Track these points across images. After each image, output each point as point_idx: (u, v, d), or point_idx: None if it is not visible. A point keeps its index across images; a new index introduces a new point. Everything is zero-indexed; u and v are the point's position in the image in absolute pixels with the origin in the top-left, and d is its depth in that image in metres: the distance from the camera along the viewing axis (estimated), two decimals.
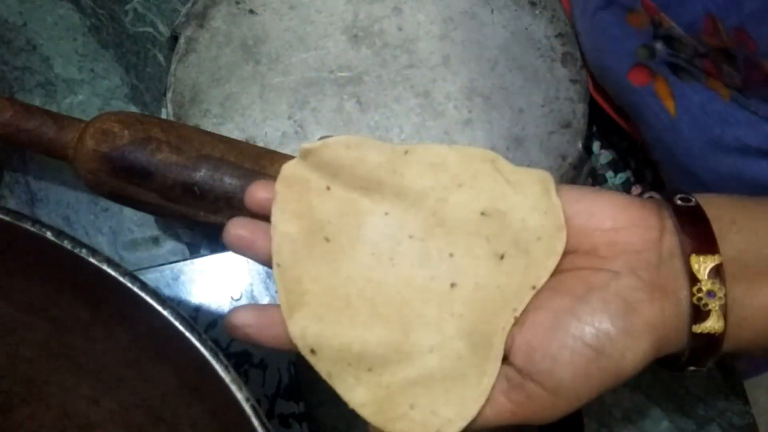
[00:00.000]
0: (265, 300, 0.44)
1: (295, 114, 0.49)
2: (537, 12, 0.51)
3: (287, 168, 0.33)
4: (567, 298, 0.30)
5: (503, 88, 0.50)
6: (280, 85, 0.49)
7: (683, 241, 0.30)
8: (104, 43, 0.54)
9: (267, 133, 0.49)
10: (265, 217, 0.33)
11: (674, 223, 0.31)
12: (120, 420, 0.36)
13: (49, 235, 0.28)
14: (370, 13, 0.51)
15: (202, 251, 0.50)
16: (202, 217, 0.44)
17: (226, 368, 0.27)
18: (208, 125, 0.49)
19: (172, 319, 0.28)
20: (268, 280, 0.44)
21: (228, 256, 0.45)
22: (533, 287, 0.31)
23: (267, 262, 0.32)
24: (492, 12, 0.51)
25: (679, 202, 0.32)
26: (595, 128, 0.54)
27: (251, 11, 0.51)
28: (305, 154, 0.33)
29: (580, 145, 0.49)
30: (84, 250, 0.28)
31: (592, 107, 0.52)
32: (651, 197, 0.33)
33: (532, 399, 0.30)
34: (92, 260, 0.28)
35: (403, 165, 0.33)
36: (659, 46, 0.43)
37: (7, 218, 0.28)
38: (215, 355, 0.28)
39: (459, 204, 0.33)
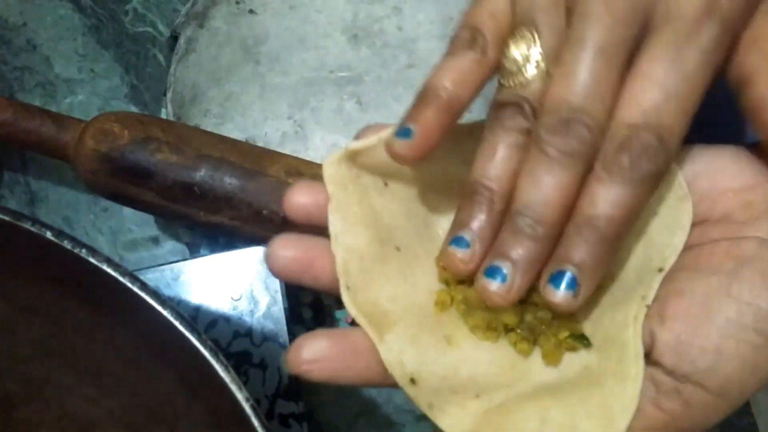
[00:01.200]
0: (264, 300, 0.44)
1: (295, 114, 0.49)
2: None
3: (331, 164, 0.27)
4: (714, 276, 0.25)
5: None
6: (280, 85, 0.49)
7: None
8: (104, 43, 0.54)
9: (267, 133, 0.49)
10: (310, 229, 0.26)
11: None
12: (120, 420, 0.36)
13: (49, 235, 0.28)
14: (370, 13, 0.51)
15: (202, 251, 0.50)
16: (202, 217, 0.44)
17: (226, 368, 0.27)
18: (208, 125, 0.49)
19: (172, 319, 0.28)
20: (268, 280, 0.44)
21: (228, 255, 0.45)
22: (660, 270, 0.26)
23: (328, 287, 0.26)
24: None
25: None
26: None
27: (251, 11, 0.51)
28: (353, 156, 0.27)
29: None
30: (84, 250, 0.28)
31: None
32: None
33: (690, 406, 0.24)
34: (92, 260, 0.28)
35: (471, 151, 0.27)
36: None
37: (7, 218, 0.28)
38: (215, 355, 0.28)
39: None
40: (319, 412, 0.48)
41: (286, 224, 0.43)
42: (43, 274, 0.31)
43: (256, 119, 0.49)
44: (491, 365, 0.26)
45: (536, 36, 0.26)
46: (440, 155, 0.27)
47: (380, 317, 0.25)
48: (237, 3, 0.51)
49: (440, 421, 0.25)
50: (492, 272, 0.25)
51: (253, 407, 0.27)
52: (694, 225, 0.26)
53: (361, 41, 0.50)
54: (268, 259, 0.26)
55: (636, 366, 0.25)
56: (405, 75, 0.50)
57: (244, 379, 0.40)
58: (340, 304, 0.48)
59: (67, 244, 0.28)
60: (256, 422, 0.27)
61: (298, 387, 0.44)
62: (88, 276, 0.29)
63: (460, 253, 0.26)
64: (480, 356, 0.26)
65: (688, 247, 0.26)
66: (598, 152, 0.24)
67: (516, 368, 0.26)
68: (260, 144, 0.48)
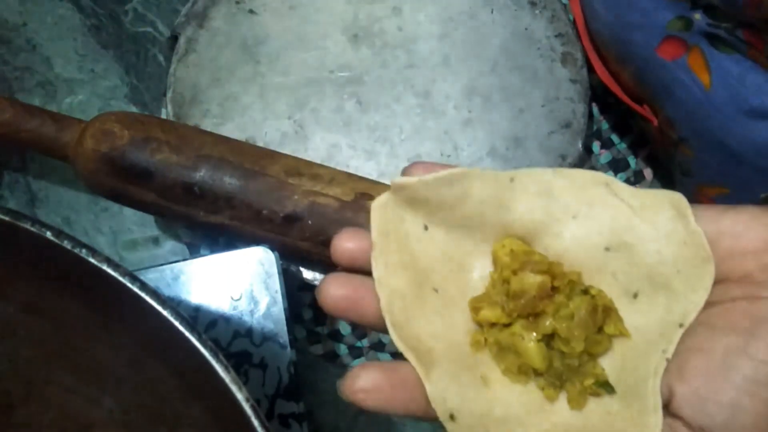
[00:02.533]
0: (264, 300, 0.44)
1: (295, 114, 0.49)
2: (537, 12, 0.51)
3: (378, 208, 0.29)
4: (732, 335, 0.26)
5: (503, 88, 0.50)
6: (280, 85, 0.49)
7: None
8: (104, 43, 0.54)
9: (267, 133, 0.49)
10: (355, 271, 0.29)
11: None
12: (120, 420, 0.36)
13: (49, 235, 0.28)
14: (370, 13, 0.51)
15: (202, 251, 0.50)
16: (202, 217, 0.44)
17: (226, 368, 0.27)
18: (208, 125, 0.49)
19: (172, 319, 0.28)
20: (268, 280, 0.44)
21: (228, 255, 0.45)
22: (680, 325, 0.27)
23: (374, 324, 0.29)
24: (492, 12, 0.51)
25: None
26: (595, 128, 0.54)
27: (251, 11, 0.51)
28: (398, 189, 0.29)
29: (580, 145, 0.49)
30: (84, 250, 0.28)
31: (597, 102, 0.52)
32: None
33: None
34: (92, 260, 0.28)
35: (509, 197, 0.29)
36: (698, 16, 0.42)
37: (7, 218, 0.28)
38: (215, 355, 0.28)
39: (577, 239, 0.29)
40: (319, 412, 0.48)
41: (285, 224, 0.43)
42: (43, 274, 0.31)
43: (256, 119, 0.49)
44: (522, 407, 0.28)
45: None
46: (472, 201, 0.29)
47: (424, 354, 0.27)
48: (237, 3, 0.51)
49: None
50: None
51: (253, 407, 0.27)
52: (715, 283, 0.28)
53: (361, 41, 0.50)
54: (319, 296, 0.28)
55: (655, 417, 0.26)
56: (405, 75, 0.50)
57: (244, 379, 0.40)
58: None
59: (67, 244, 0.28)
60: (256, 422, 0.27)
61: (298, 387, 0.44)
62: (88, 276, 0.29)
63: None
64: (512, 397, 0.28)
65: (708, 305, 0.28)
66: None
67: (544, 410, 0.28)
68: (260, 144, 0.48)
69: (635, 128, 0.54)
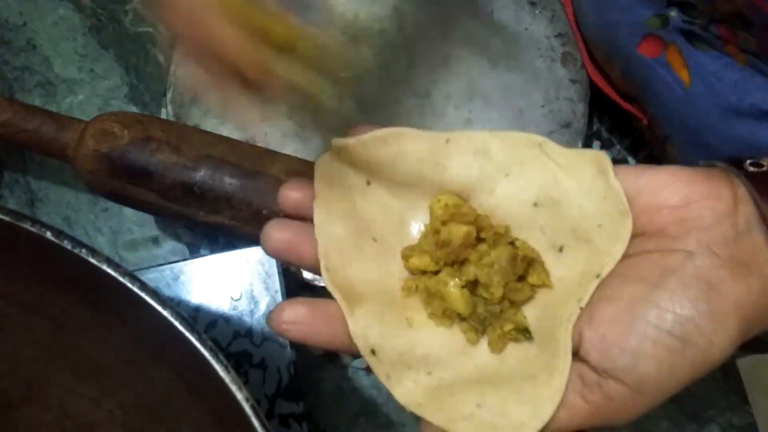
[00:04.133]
0: (264, 300, 0.44)
1: (295, 114, 0.49)
2: (537, 12, 0.51)
3: (322, 164, 0.31)
4: (640, 284, 0.28)
5: (503, 88, 0.50)
6: None
7: (763, 209, 0.28)
8: (104, 43, 0.54)
9: (267, 133, 0.49)
10: (299, 219, 0.30)
11: (748, 191, 0.28)
12: (120, 420, 0.36)
13: (49, 235, 0.28)
14: (370, 13, 0.51)
15: (202, 251, 0.50)
16: (202, 217, 0.44)
17: (226, 368, 0.27)
18: (208, 125, 0.49)
19: (172, 319, 0.28)
20: (268, 280, 0.44)
21: (228, 256, 0.45)
22: (597, 276, 0.29)
23: (312, 267, 0.30)
24: (492, 12, 0.51)
25: (751, 168, 0.29)
26: (595, 128, 0.54)
27: None
28: (338, 150, 0.31)
29: (580, 145, 0.49)
30: (84, 250, 0.28)
31: (597, 102, 0.52)
32: (714, 166, 0.30)
33: (611, 399, 0.27)
34: (92, 260, 0.28)
35: (445, 156, 0.31)
36: (674, 13, 0.42)
37: (7, 218, 0.28)
38: (215, 355, 0.28)
39: (508, 195, 0.30)
40: (319, 412, 0.48)
41: None
42: (43, 274, 0.31)
43: (256, 119, 0.49)
44: (443, 348, 0.29)
45: None
46: (411, 159, 0.31)
47: (353, 296, 0.29)
48: None
49: (395, 391, 0.28)
50: None
51: (253, 407, 0.27)
52: (632, 237, 0.29)
53: (361, 41, 0.50)
54: (262, 240, 0.30)
55: (564, 361, 0.28)
56: (405, 75, 0.50)
57: (244, 379, 0.40)
58: None
59: (67, 244, 0.28)
60: (256, 422, 0.27)
61: (298, 387, 0.44)
62: (88, 276, 0.29)
63: None
64: (435, 339, 0.30)
65: (625, 257, 0.29)
66: None
67: (465, 353, 0.30)
68: (260, 144, 0.48)
69: (635, 128, 0.54)
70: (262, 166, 0.43)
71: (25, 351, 0.35)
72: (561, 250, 0.30)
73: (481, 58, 0.50)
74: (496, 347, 0.29)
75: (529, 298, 0.30)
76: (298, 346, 0.48)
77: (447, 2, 0.51)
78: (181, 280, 0.44)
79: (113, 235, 0.51)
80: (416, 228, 0.31)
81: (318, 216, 0.30)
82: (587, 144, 0.52)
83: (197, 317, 0.44)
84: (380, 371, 0.28)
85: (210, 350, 0.28)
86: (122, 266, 0.28)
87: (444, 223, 0.30)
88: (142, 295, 0.28)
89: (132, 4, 0.55)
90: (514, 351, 0.29)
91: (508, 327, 0.29)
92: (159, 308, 0.28)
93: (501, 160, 0.31)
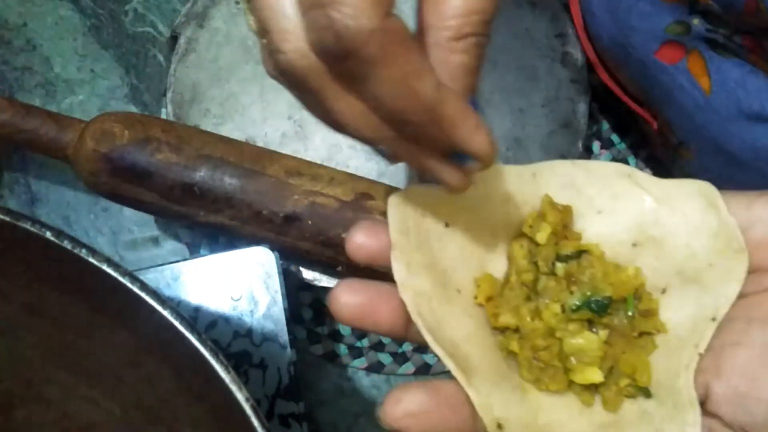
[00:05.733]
0: (264, 300, 0.44)
1: (294, 114, 0.49)
2: (537, 12, 0.51)
3: (395, 206, 0.27)
4: None
5: (503, 88, 0.50)
6: (280, 85, 0.49)
7: None
8: (104, 43, 0.54)
9: (267, 133, 0.49)
10: (370, 268, 0.27)
11: None
12: (120, 420, 0.36)
13: (49, 235, 0.28)
14: None
15: (202, 251, 0.50)
16: (202, 217, 0.44)
17: (226, 368, 0.27)
18: (208, 125, 0.49)
19: (172, 319, 0.28)
20: (268, 280, 0.44)
21: (228, 256, 0.45)
22: (713, 319, 0.26)
23: (389, 331, 0.27)
24: None
25: None
26: (595, 128, 0.54)
27: None
28: (414, 197, 0.27)
29: (580, 145, 0.49)
30: (84, 250, 0.28)
31: (598, 102, 0.52)
32: None
33: None
34: (92, 260, 0.28)
35: (532, 193, 0.28)
36: (697, 21, 0.42)
37: (7, 218, 0.28)
38: (215, 355, 0.28)
39: (602, 237, 0.28)
40: (319, 412, 0.48)
41: (285, 224, 0.43)
42: (43, 274, 0.31)
43: (256, 119, 0.49)
44: (562, 413, 0.27)
45: None
46: (495, 197, 0.28)
47: (462, 360, 0.25)
48: (237, 3, 0.51)
49: None
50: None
51: (253, 407, 0.27)
52: (748, 273, 0.26)
53: None
54: (331, 305, 0.26)
55: (693, 414, 0.25)
56: None
57: (244, 379, 0.40)
58: None
59: (67, 244, 0.28)
60: (256, 422, 0.27)
61: (298, 387, 0.44)
62: (88, 276, 0.29)
63: None
64: (551, 402, 0.27)
65: (741, 296, 0.26)
66: None
67: (583, 412, 0.27)
68: (260, 144, 0.48)
69: (635, 128, 0.54)
70: (262, 166, 0.43)
71: (25, 351, 0.35)
72: (664, 291, 0.27)
73: None
74: (613, 406, 0.27)
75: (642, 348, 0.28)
76: (299, 347, 0.48)
77: None
78: (181, 280, 0.44)
79: (113, 235, 0.51)
80: (497, 274, 0.28)
81: (399, 271, 0.26)
82: (587, 144, 0.52)
83: (197, 317, 0.44)
84: None
85: (210, 350, 0.28)
86: (122, 266, 0.28)
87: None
88: (142, 295, 0.28)
89: (132, 4, 0.55)
90: (632, 406, 0.27)
91: (624, 383, 0.27)
92: (159, 308, 0.28)
93: (590, 195, 0.28)
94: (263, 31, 0.23)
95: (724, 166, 0.39)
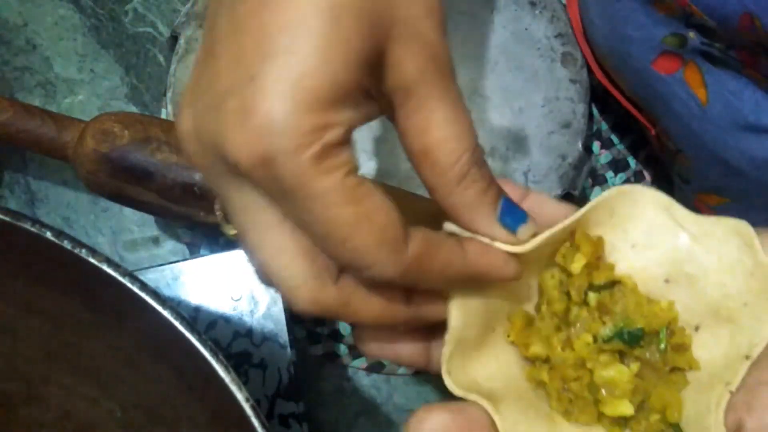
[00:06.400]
0: (264, 300, 0.44)
1: None
2: (537, 12, 0.51)
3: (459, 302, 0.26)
4: None
5: (503, 88, 0.50)
6: None
7: None
8: (104, 43, 0.54)
9: None
10: None
11: None
12: (120, 420, 0.36)
13: (49, 235, 0.28)
14: None
15: (202, 251, 0.50)
16: (202, 217, 0.44)
17: (226, 368, 0.27)
18: None
19: (172, 319, 0.28)
20: None
21: (228, 256, 0.45)
22: (746, 357, 0.26)
23: (410, 363, 0.29)
24: (492, 12, 0.51)
25: None
26: (595, 128, 0.54)
27: None
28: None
29: (580, 145, 0.49)
30: (84, 250, 0.28)
31: (598, 102, 0.52)
32: None
33: None
34: (92, 260, 0.28)
35: (561, 242, 0.28)
36: (693, 34, 0.42)
37: (7, 218, 0.28)
38: (215, 355, 0.28)
39: (635, 271, 0.28)
40: (319, 412, 0.48)
41: None
42: (43, 274, 0.31)
43: None
44: None
45: None
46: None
47: (485, 394, 0.26)
48: None
49: None
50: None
51: (253, 407, 0.27)
52: None
53: None
54: (357, 343, 0.29)
55: None
56: None
57: (244, 379, 0.40)
58: None
59: (67, 244, 0.28)
60: (256, 422, 0.27)
61: (298, 387, 0.44)
62: (88, 276, 0.29)
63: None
64: None
65: None
66: None
67: None
68: None
69: (635, 128, 0.54)
70: None
71: (25, 351, 0.35)
72: (697, 329, 0.27)
73: (481, 58, 0.50)
74: None
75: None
76: (299, 347, 0.48)
77: (447, 2, 0.51)
78: (181, 280, 0.44)
79: (113, 235, 0.51)
80: (530, 306, 0.28)
81: (455, 319, 0.26)
82: (587, 144, 0.52)
83: (197, 317, 0.44)
84: None
85: (210, 350, 0.28)
86: (122, 266, 0.28)
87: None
88: (142, 295, 0.28)
89: (132, 4, 0.55)
90: None
91: (655, 418, 0.27)
92: (159, 308, 0.28)
93: (625, 228, 0.28)
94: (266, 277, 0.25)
95: (721, 175, 0.39)
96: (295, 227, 0.24)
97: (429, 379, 0.48)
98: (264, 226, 0.24)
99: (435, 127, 0.24)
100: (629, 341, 0.27)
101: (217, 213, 0.27)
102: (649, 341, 0.27)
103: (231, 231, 0.26)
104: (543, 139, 0.49)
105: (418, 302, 0.26)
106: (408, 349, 0.28)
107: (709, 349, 0.27)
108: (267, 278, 0.25)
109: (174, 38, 0.51)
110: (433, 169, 0.25)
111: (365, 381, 0.49)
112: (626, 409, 0.26)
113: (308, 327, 0.49)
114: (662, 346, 0.27)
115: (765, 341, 0.26)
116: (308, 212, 0.22)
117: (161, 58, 0.54)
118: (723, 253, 0.27)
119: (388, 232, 0.23)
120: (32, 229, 0.28)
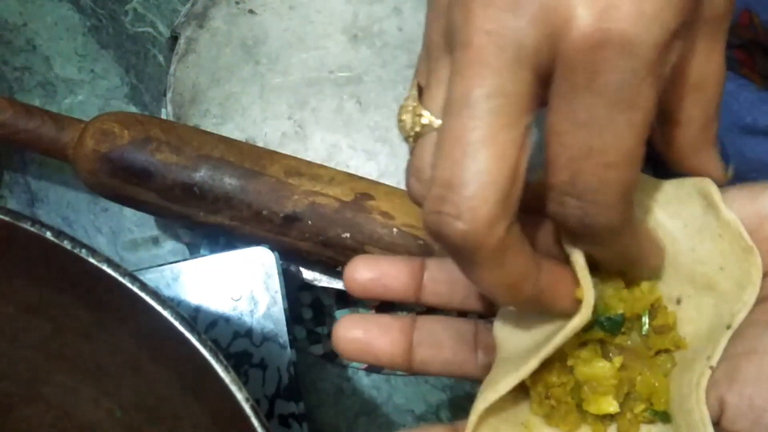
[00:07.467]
0: (264, 300, 0.44)
1: (295, 114, 0.49)
2: None
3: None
4: None
5: None
6: (280, 85, 0.49)
7: None
8: (104, 43, 0.54)
9: (267, 133, 0.49)
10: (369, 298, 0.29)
11: None
12: (120, 420, 0.36)
13: (49, 235, 0.28)
14: (370, 13, 0.51)
15: (202, 251, 0.50)
16: (202, 217, 0.44)
17: (225, 368, 0.27)
18: (208, 125, 0.49)
19: (172, 319, 0.28)
20: (268, 280, 0.44)
21: (228, 255, 0.45)
22: (728, 326, 0.24)
23: (388, 364, 0.28)
24: None
25: None
26: None
27: (251, 11, 0.51)
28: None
29: None
30: (84, 250, 0.28)
31: None
32: None
33: None
34: (92, 260, 0.28)
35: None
36: None
37: (7, 218, 0.28)
38: (215, 356, 0.28)
39: None
40: (319, 412, 0.48)
41: (285, 224, 0.43)
42: (43, 274, 0.31)
43: (256, 119, 0.49)
44: None
45: (415, 87, 0.24)
46: None
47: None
48: (237, 3, 0.51)
49: None
50: None
51: (253, 407, 0.27)
52: (765, 275, 0.24)
53: (361, 41, 0.50)
54: (333, 340, 0.29)
55: None
56: (405, 75, 0.50)
57: (244, 379, 0.40)
58: (339, 305, 0.48)
59: (67, 244, 0.28)
60: (256, 422, 0.27)
61: (298, 387, 0.44)
62: (88, 276, 0.29)
63: None
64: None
65: (759, 301, 0.24)
66: None
67: None
68: (260, 144, 0.48)
69: None
70: (262, 166, 0.43)
71: (25, 351, 0.35)
72: (679, 302, 0.25)
73: None
74: None
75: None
76: (299, 347, 0.48)
77: None
78: (181, 280, 0.44)
79: (113, 235, 0.51)
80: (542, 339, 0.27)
81: (498, 369, 0.26)
82: None
83: (197, 317, 0.44)
84: None
85: (210, 350, 0.28)
86: (122, 266, 0.28)
87: None
88: (142, 295, 0.28)
89: (132, 4, 0.55)
90: (647, 430, 0.25)
91: (640, 408, 0.25)
92: (159, 308, 0.28)
93: None
94: (442, 181, 0.22)
95: None
96: (529, 130, 0.22)
97: (429, 379, 0.48)
98: (506, 123, 0.22)
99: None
100: (610, 329, 0.25)
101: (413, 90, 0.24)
102: (630, 326, 0.26)
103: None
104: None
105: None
106: (386, 349, 0.28)
107: (694, 323, 0.25)
108: (447, 177, 0.22)
109: (174, 38, 0.51)
110: (699, 101, 0.24)
111: (365, 381, 0.49)
112: (610, 406, 0.25)
113: (308, 327, 0.49)
114: (645, 329, 0.25)
115: (747, 308, 0.24)
116: None
117: (161, 58, 0.54)
118: (687, 218, 0.25)
119: None
120: (32, 229, 0.28)
